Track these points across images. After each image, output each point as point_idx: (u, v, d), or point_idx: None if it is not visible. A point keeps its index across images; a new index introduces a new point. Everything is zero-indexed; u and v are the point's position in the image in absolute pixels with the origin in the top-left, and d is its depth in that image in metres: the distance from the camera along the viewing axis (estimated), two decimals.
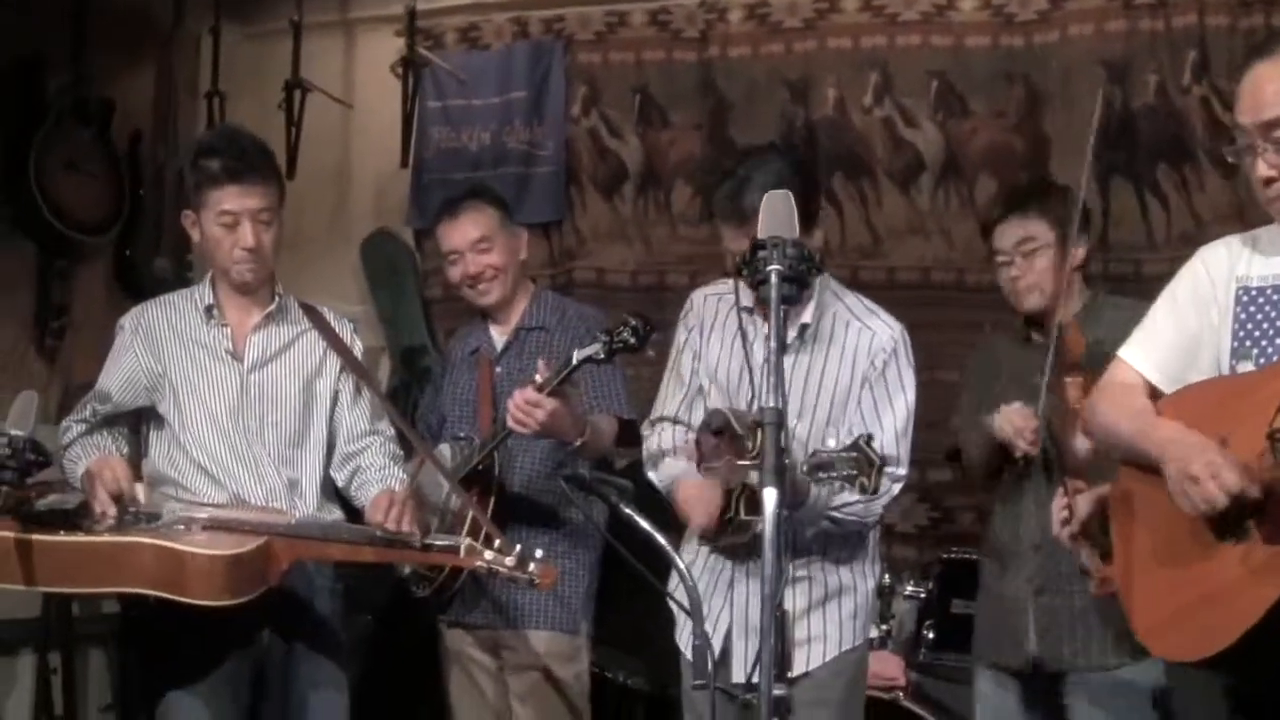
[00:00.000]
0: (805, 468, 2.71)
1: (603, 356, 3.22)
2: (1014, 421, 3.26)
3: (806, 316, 3.13)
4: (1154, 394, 2.63)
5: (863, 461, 2.59)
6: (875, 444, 2.95)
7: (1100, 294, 3.45)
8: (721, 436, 3.05)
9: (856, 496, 2.97)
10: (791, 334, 3.10)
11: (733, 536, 3.04)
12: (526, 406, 3.28)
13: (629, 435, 3.62)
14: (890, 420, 3.11)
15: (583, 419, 3.47)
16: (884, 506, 3.13)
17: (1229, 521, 2.37)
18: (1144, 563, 2.58)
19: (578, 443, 3.46)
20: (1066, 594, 3.25)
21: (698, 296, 3.35)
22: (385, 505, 3.14)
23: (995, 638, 3.41)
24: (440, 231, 3.83)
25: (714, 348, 3.25)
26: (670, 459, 3.26)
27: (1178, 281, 2.68)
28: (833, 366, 3.11)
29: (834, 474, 2.63)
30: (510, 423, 3.34)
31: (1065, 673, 3.27)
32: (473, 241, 3.72)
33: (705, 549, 3.23)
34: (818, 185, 3.29)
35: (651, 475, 3.32)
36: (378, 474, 3.35)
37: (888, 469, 3.03)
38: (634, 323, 3.21)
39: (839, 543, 3.16)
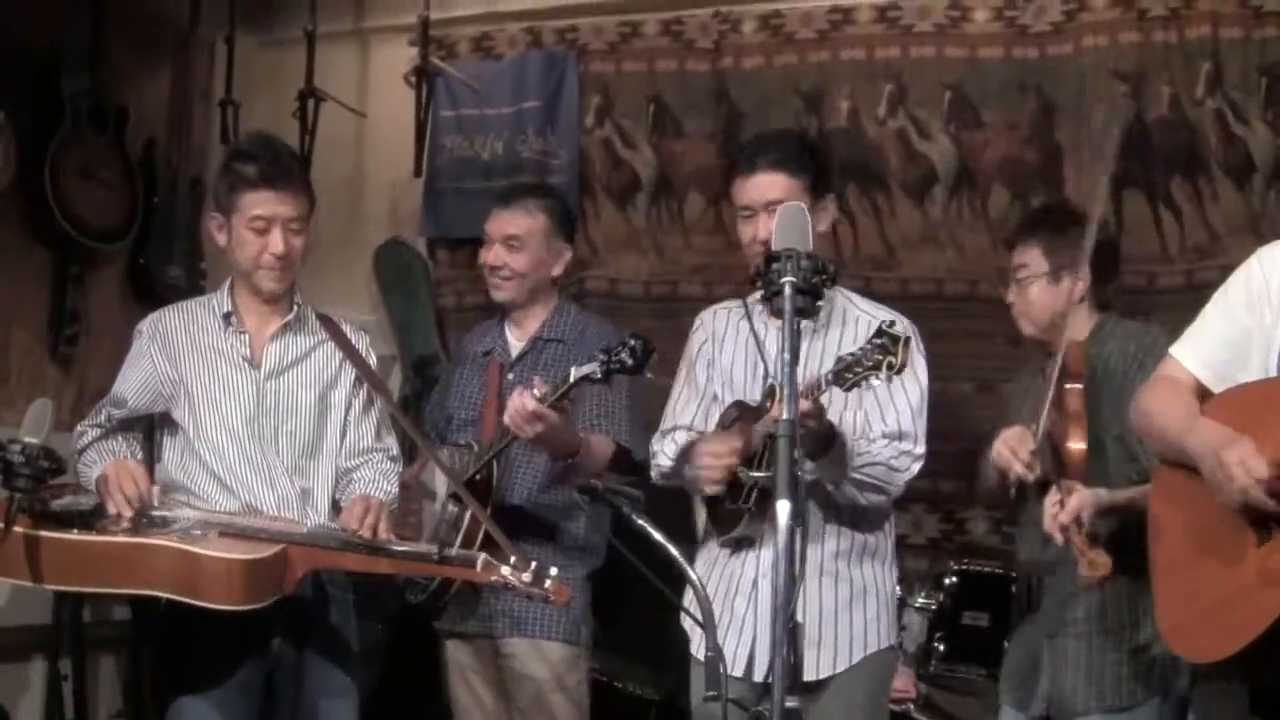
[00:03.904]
0: (830, 376, 2.78)
1: (599, 376, 3.19)
2: (1010, 443, 3.27)
3: None
4: (1203, 391, 2.64)
5: (888, 342, 2.65)
6: (893, 425, 3.01)
7: (1111, 319, 3.42)
8: (739, 420, 3.13)
9: (880, 449, 3.06)
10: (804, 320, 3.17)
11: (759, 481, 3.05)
12: (527, 414, 3.26)
13: (625, 463, 3.62)
14: (905, 400, 3.15)
15: (577, 437, 3.45)
16: (903, 483, 3.17)
17: (1265, 522, 2.38)
18: (1176, 561, 2.61)
19: (569, 461, 3.46)
20: (1076, 636, 3.23)
21: (707, 313, 3.45)
22: (360, 511, 3.11)
23: (1017, 676, 3.40)
24: (491, 210, 3.83)
25: (728, 353, 3.33)
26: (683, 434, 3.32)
27: (1232, 280, 2.68)
28: (847, 349, 3.14)
29: (861, 368, 2.69)
30: (507, 420, 3.32)
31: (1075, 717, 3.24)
32: (506, 236, 3.72)
33: (724, 553, 3.24)
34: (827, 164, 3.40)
35: (663, 459, 3.35)
36: (365, 486, 3.33)
37: (904, 445, 3.10)
38: (633, 343, 3.16)
39: (865, 529, 3.20)
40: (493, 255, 3.74)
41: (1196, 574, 2.52)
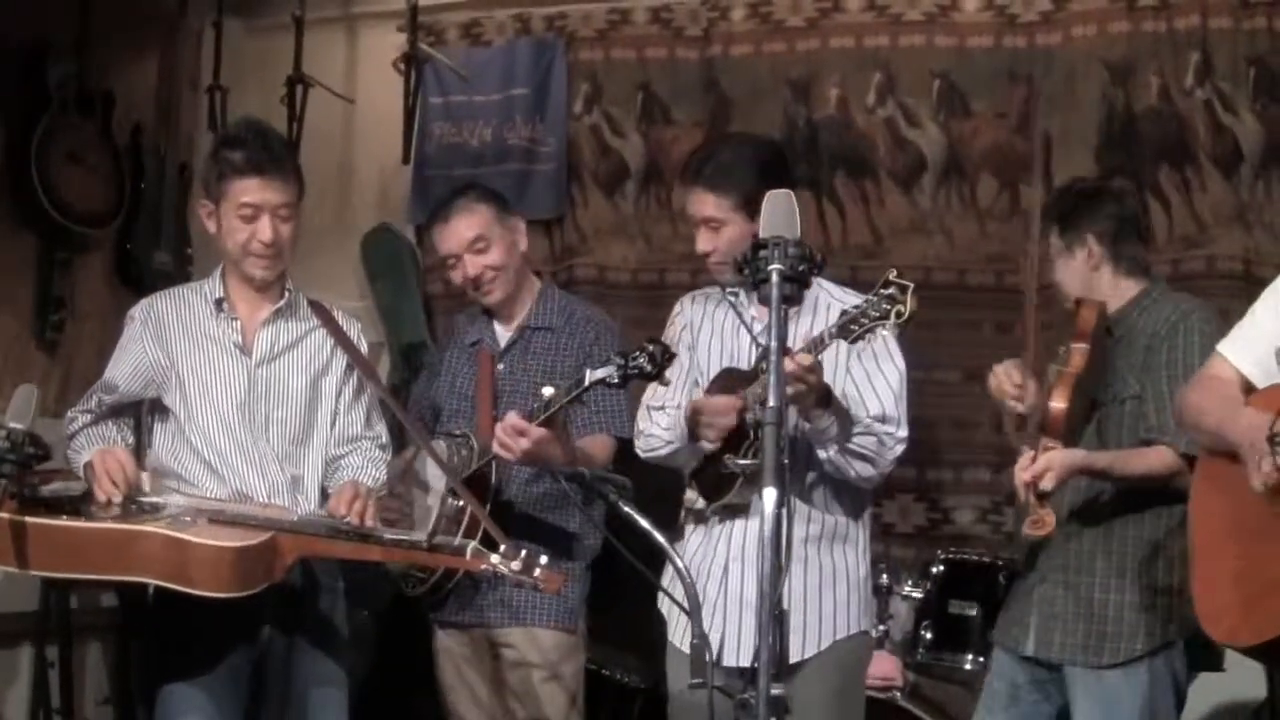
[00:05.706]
0: (835, 330, 2.76)
1: (616, 381, 3.13)
2: (1012, 375, 3.27)
3: None
4: (1251, 389, 2.66)
5: (896, 291, 2.64)
6: (876, 409, 3.01)
7: (1158, 288, 3.43)
8: (729, 390, 3.11)
9: (866, 428, 3.05)
10: None
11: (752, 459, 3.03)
12: (512, 433, 3.24)
13: (625, 451, 3.60)
14: (884, 384, 3.15)
15: (572, 450, 3.40)
16: (890, 462, 3.17)
17: None
18: (1215, 546, 2.63)
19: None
20: (1068, 585, 3.26)
21: (686, 299, 3.47)
22: (349, 497, 3.11)
23: (1007, 619, 3.42)
24: (435, 236, 3.78)
25: (704, 337, 3.33)
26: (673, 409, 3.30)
27: None
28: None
29: (867, 319, 2.68)
30: (495, 447, 3.31)
31: (1061, 665, 3.27)
32: (468, 243, 3.66)
33: (696, 539, 3.24)
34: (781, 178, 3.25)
35: (656, 431, 3.33)
36: (353, 473, 3.32)
37: (887, 429, 3.09)
38: (651, 349, 3.10)
39: (837, 513, 3.20)
40: (468, 267, 3.67)
41: (1235, 559, 2.56)
